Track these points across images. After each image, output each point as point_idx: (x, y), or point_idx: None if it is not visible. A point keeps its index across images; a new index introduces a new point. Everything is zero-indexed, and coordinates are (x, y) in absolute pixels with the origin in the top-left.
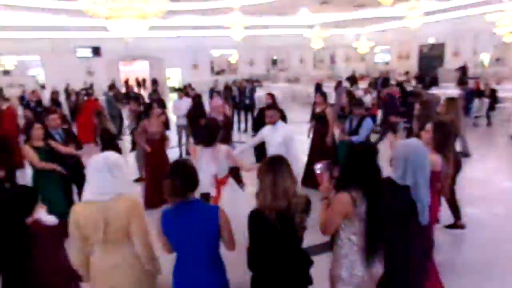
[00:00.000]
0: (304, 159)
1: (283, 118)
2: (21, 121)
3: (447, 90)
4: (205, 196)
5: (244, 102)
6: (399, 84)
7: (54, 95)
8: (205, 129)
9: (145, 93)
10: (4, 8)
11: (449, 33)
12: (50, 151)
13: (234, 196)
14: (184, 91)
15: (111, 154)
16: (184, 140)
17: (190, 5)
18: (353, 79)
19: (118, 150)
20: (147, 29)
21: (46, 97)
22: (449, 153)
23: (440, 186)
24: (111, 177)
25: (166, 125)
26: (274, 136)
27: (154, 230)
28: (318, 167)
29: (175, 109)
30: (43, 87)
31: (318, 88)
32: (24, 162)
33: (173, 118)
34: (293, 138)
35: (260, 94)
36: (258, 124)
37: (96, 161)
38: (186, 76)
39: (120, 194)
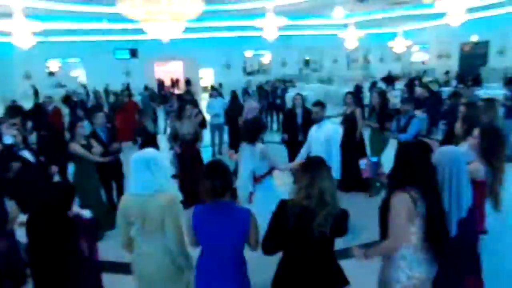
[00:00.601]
0: None
1: (311, 121)
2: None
3: (492, 90)
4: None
5: (275, 102)
6: (425, 86)
7: (97, 94)
8: (249, 126)
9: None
10: (49, 13)
11: (493, 31)
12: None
13: (268, 196)
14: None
15: (150, 152)
16: (217, 139)
17: (224, 7)
18: (389, 80)
19: (157, 148)
20: (182, 30)
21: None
22: (498, 163)
23: (484, 196)
24: (150, 174)
25: (202, 124)
26: (317, 135)
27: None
28: (363, 162)
29: (209, 108)
30: (84, 87)
31: (357, 90)
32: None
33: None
34: (335, 139)
35: (292, 94)
36: (285, 125)
37: (136, 159)
38: (218, 76)
39: (160, 190)
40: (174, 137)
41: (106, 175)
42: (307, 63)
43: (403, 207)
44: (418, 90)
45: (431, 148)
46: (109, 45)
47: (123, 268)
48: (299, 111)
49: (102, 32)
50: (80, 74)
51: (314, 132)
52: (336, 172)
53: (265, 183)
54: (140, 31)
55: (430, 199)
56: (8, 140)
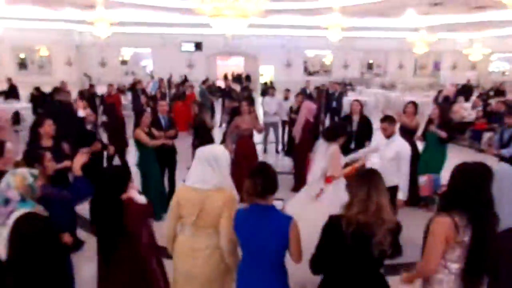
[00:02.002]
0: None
1: (369, 127)
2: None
3: None
4: (279, 200)
5: (331, 105)
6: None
7: (161, 83)
8: (335, 126)
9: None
10: (122, 5)
11: None
12: (153, 137)
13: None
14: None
15: (215, 148)
16: (272, 137)
17: (290, 5)
18: (466, 91)
19: (212, 141)
20: (246, 27)
21: (153, 86)
22: None
23: None
24: (211, 170)
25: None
26: (387, 150)
27: None
28: (423, 180)
29: (265, 106)
30: (152, 77)
31: (446, 101)
32: (128, 142)
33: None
34: (405, 157)
35: (350, 98)
36: None
37: (200, 152)
38: (278, 74)
39: (219, 186)
40: (233, 132)
41: (160, 161)
42: (370, 66)
43: (441, 232)
44: (493, 103)
45: (492, 172)
46: (176, 38)
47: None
48: (355, 118)
49: (171, 25)
50: (148, 64)
51: (383, 148)
52: (403, 193)
53: (336, 185)
54: (206, 25)
55: (477, 229)
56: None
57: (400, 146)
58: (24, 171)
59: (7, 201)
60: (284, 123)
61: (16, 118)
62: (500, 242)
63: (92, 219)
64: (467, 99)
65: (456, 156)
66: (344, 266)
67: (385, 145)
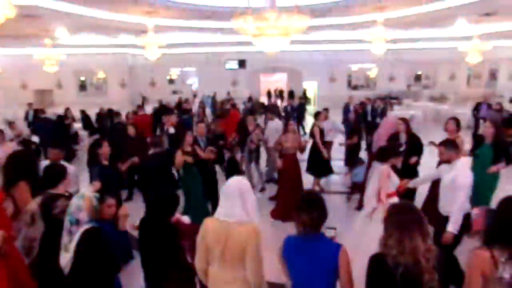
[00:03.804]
0: None
1: (419, 146)
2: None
3: None
4: (332, 228)
5: (375, 121)
6: None
7: (201, 104)
8: (385, 147)
9: (282, 105)
10: (170, 29)
11: None
12: (195, 156)
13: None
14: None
15: (243, 182)
16: None
17: (332, 20)
18: None
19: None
20: (288, 44)
21: (196, 104)
22: None
23: None
24: (237, 202)
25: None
26: (446, 176)
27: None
28: (476, 213)
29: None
30: (195, 95)
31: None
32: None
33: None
34: (462, 186)
35: (397, 113)
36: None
37: (228, 185)
38: (322, 89)
39: (244, 219)
40: (277, 149)
41: (203, 180)
42: (418, 78)
43: (477, 265)
44: None
45: None
46: (220, 56)
47: None
48: (402, 137)
49: (215, 44)
50: (194, 82)
51: (445, 172)
52: (453, 225)
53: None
54: (249, 43)
55: None
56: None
57: (458, 171)
58: (90, 194)
59: (77, 222)
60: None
61: (75, 138)
62: None
63: (141, 243)
64: None
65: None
66: None
67: (446, 171)
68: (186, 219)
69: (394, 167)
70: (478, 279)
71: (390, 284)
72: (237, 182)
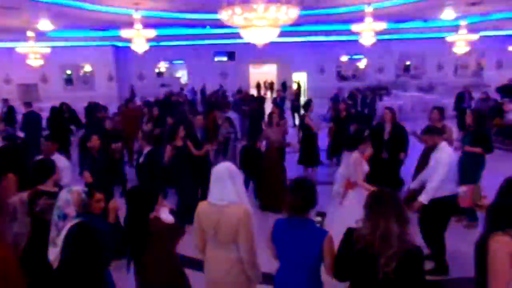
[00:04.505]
0: None
1: (403, 136)
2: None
3: None
4: (321, 214)
5: (364, 111)
6: None
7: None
8: (352, 135)
9: (272, 97)
10: (158, 21)
11: None
12: (185, 150)
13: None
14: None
15: (230, 165)
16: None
17: (320, 12)
18: (508, 90)
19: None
20: (277, 35)
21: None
22: None
23: None
24: (227, 186)
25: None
26: (432, 160)
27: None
28: (463, 190)
29: None
30: (182, 89)
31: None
32: None
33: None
34: (443, 162)
35: (385, 104)
36: (373, 140)
37: (217, 169)
38: (312, 80)
39: (235, 202)
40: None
41: (195, 173)
42: (406, 69)
43: (506, 253)
44: None
45: None
46: (209, 49)
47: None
48: (388, 126)
49: (203, 37)
50: (183, 75)
51: (432, 156)
52: (424, 195)
53: (357, 192)
54: (237, 35)
55: None
56: None
57: (442, 152)
58: (79, 189)
59: (64, 217)
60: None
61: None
62: None
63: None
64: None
65: (504, 162)
66: (358, 277)
67: (433, 155)
68: (169, 218)
69: (376, 159)
70: (508, 265)
71: (349, 257)
72: (226, 165)
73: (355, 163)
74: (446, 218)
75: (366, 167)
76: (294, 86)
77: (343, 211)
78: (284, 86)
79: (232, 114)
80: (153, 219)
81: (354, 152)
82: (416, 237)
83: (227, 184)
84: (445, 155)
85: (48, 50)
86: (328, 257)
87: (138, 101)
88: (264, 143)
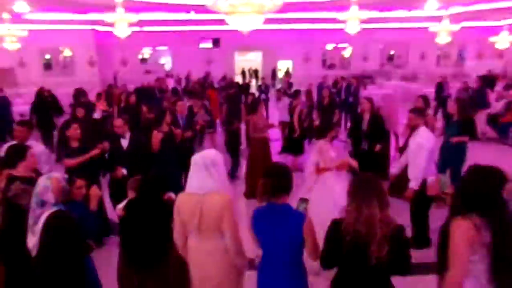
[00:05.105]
0: None
1: (381, 125)
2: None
3: None
4: (305, 200)
5: (348, 100)
6: None
7: (177, 82)
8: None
9: (256, 84)
10: (141, 5)
11: None
12: (172, 136)
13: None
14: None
15: (210, 154)
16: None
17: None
18: (487, 80)
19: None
20: (262, 22)
21: (171, 84)
22: None
23: None
24: (208, 175)
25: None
26: (412, 142)
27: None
28: (431, 178)
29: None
30: (167, 75)
31: (439, 89)
32: None
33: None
34: (426, 147)
35: (370, 93)
36: (350, 131)
37: (195, 159)
38: (297, 68)
39: (215, 190)
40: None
41: (179, 162)
42: (391, 58)
43: (462, 233)
44: None
45: (506, 177)
46: (194, 35)
47: None
48: (366, 116)
49: (188, 23)
50: (167, 61)
51: (412, 140)
52: (413, 182)
53: (325, 178)
54: (223, 22)
55: (499, 229)
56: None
57: (422, 137)
58: (58, 175)
59: (43, 203)
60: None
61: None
62: None
63: (129, 229)
64: (491, 90)
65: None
66: (349, 266)
67: (412, 139)
68: (172, 195)
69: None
70: (468, 248)
71: (339, 249)
72: (207, 153)
73: (321, 150)
74: (429, 198)
75: (333, 153)
76: (280, 75)
77: (314, 197)
78: (274, 74)
79: None
80: (168, 199)
81: (321, 140)
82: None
83: (207, 172)
84: (424, 140)
85: (26, 33)
86: (309, 241)
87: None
88: (244, 127)
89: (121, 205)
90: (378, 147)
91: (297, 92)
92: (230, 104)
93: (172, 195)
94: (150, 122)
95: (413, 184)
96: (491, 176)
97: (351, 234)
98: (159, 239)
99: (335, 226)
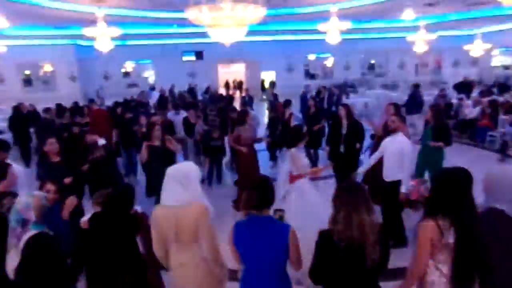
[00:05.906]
0: None
1: (359, 131)
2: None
3: None
4: (280, 210)
5: (330, 109)
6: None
7: (162, 96)
8: (290, 132)
9: (240, 96)
10: (124, 19)
11: None
12: (164, 149)
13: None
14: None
15: (184, 167)
16: None
17: (288, 11)
18: (463, 87)
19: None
20: (245, 34)
21: (155, 97)
22: None
23: None
24: (181, 188)
25: None
26: (391, 147)
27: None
28: (412, 184)
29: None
30: (152, 88)
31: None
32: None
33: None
34: (407, 152)
35: (354, 101)
36: (332, 137)
37: (170, 172)
38: (280, 79)
39: (191, 202)
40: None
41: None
42: (371, 67)
43: (426, 235)
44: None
45: (472, 177)
46: (177, 48)
47: None
48: (344, 122)
49: (171, 36)
50: (150, 75)
51: (389, 143)
52: (406, 186)
53: (299, 185)
54: (205, 34)
55: (460, 231)
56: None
57: (403, 143)
58: (39, 193)
59: (24, 222)
60: None
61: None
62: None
63: (95, 236)
64: (467, 97)
65: (460, 155)
66: (341, 277)
67: (390, 143)
68: (138, 208)
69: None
70: (428, 247)
71: (335, 258)
72: (181, 166)
73: (293, 158)
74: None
75: (305, 160)
76: (266, 85)
77: (289, 206)
78: (263, 85)
79: None
80: (135, 213)
81: (293, 149)
82: None
83: (180, 185)
84: (408, 148)
85: (4, 49)
86: (294, 252)
87: (97, 103)
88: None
89: (85, 218)
90: (358, 145)
91: (288, 102)
92: (222, 116)
93: (138, 209)
94: (143, 136)
95: (405, 189)
96: (455, 177)
97: (345, 240)
98: (123, 252)
99: (325, 236)
